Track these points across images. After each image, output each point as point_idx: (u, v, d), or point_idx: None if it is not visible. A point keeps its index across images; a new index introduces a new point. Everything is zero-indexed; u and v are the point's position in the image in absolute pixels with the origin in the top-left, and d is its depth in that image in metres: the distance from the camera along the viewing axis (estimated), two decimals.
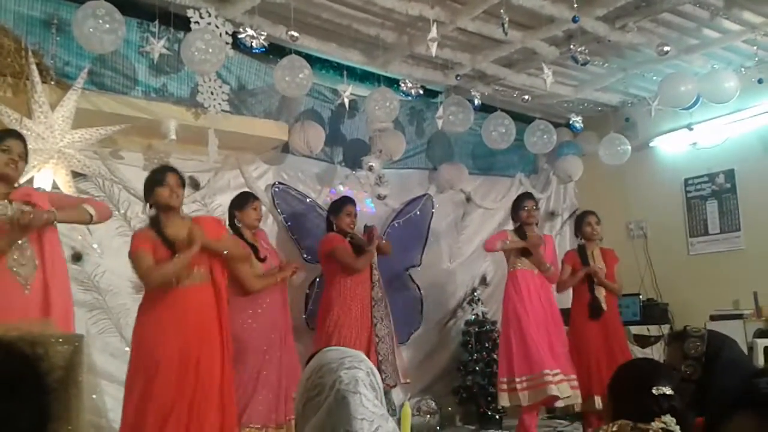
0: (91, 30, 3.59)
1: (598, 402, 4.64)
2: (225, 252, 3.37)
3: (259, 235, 4.34)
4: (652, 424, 1.72)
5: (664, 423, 1.73)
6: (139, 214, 4.30)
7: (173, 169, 3.44)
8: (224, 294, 3.37)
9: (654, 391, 1.81)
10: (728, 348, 2.37)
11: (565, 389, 4.46)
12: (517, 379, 4.49)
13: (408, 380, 4.83)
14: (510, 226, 5.08)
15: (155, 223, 3.33)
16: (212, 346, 3.26)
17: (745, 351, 4.89)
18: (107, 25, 3.61)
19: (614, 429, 1.71)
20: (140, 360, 3.20)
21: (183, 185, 3.43)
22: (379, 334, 4.52)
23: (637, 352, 5.29)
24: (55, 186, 3.74)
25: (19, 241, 2.84)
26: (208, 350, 3.23)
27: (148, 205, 3.40)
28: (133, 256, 3.25)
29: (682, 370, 2.36)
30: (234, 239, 3.51)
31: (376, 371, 1.40)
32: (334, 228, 4.66)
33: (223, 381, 3.27)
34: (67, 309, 3.01)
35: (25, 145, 3.06)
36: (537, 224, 5.00)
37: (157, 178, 3.36)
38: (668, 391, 1.81)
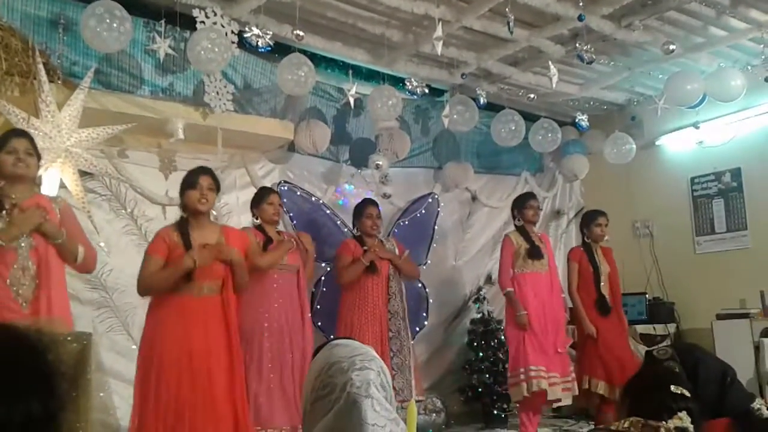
0: (97, 29, 3.61)
1: (602, 388, 4.71)
2: (231, 260, 3.31)
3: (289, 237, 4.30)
4: (669, 422, 1.72)
5: (680, 419, 1.73)
6: (146, 212, 4.33)
7: (208, 171, 3.41)
8: (233, 306, 3.31)
9: (672, 389, 1.81)
10: (702, 363, 2.29)
11: (556, 392, 4.53)
12: (522, 369, 4.57)
13: (422, 398, 4.82)
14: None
15: (182, 226, 3.32)
16: (219, 357, 3.21)
17: (752, 350, 4.91)
18: (114, 24, 3.62)
19: (625, 425, 1.71)
20: (147, 368, 3.19)
21: (216, 189, 3.41)
22: (393, 348, 4.46)
23: (643, 350, 5.28)
24: (62, 185, 3.76)
25: (24, 259, 2.82)
26: (215, 361, 3.19)
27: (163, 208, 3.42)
28: (144, 256, 3.28)
29: None
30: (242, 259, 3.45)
31: (386, 369, 1.38)
32: (357, 232, 4.65)
33: (234, 391, 3.23)
34: (68, 323, 2.99)
35: (31, 141, 3.03)
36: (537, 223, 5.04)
37: (190, 180, 3.35)
38: (687, 393, 1.82)
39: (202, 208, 3.32)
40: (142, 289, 3.29)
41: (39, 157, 3.09)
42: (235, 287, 3.35)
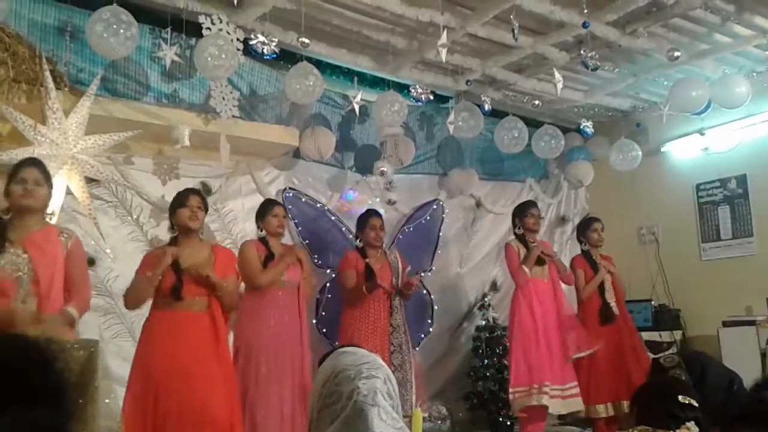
0: (104, 34, 3.62)
1: (603, 410, 4.66)
2: (220, 286, 3.34)
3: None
4: (677, 431, 1.72)
5: (688, 429, 1.73)
6: (151, 219, 4.34)
7: (197, 192, 3.55)
8: (222, 323, 3.35)
9: (680, 399, 1.81)
10: (709, 371, 2.29)
11: (557, 404, 4.48)
12: (519, 389, 4.53)
13: (425, 414, 4.78)
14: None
15: (172, 245, 3.41)
16: (210, 369, 3.23)
17: (758, 358, 4.88)
18: (121, 29, 3.63)
19: None
20: (136, 381, 3.22)
21: (205, 209, 3.52)
22: (395, 362, 4.40)
23: (649, 357, 5.26)
24: (68, 191, 3.78)
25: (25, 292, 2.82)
26: (206, 373, 3.21)
27: (170, 224, 3.49)
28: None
29: None
30: (235, 283, 3.52)
31: (392, 377, 1.38)
32: (360, 243, 4.59)
33: (228, 401, 3.24)
34: None
35: (42, 170, 3.01)
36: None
37: (180, 199, 3.46)
38: (695, 403, 1.82)
39: (193, 225, 3.42)
40: (127, 297, 3.38)
41: (51, 186, 3.06)
42: (222, 308, 3.38)
